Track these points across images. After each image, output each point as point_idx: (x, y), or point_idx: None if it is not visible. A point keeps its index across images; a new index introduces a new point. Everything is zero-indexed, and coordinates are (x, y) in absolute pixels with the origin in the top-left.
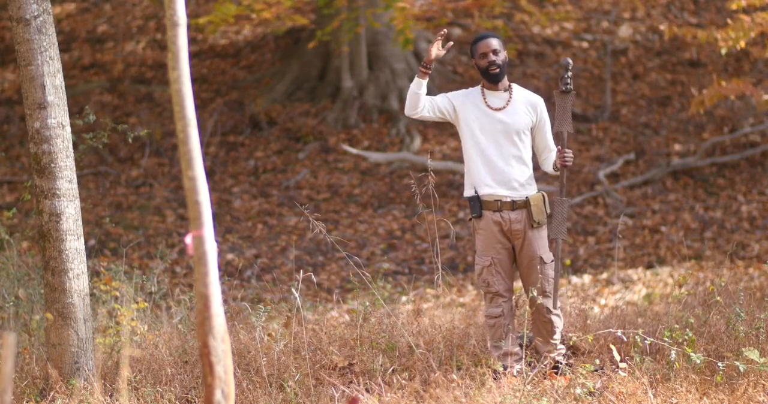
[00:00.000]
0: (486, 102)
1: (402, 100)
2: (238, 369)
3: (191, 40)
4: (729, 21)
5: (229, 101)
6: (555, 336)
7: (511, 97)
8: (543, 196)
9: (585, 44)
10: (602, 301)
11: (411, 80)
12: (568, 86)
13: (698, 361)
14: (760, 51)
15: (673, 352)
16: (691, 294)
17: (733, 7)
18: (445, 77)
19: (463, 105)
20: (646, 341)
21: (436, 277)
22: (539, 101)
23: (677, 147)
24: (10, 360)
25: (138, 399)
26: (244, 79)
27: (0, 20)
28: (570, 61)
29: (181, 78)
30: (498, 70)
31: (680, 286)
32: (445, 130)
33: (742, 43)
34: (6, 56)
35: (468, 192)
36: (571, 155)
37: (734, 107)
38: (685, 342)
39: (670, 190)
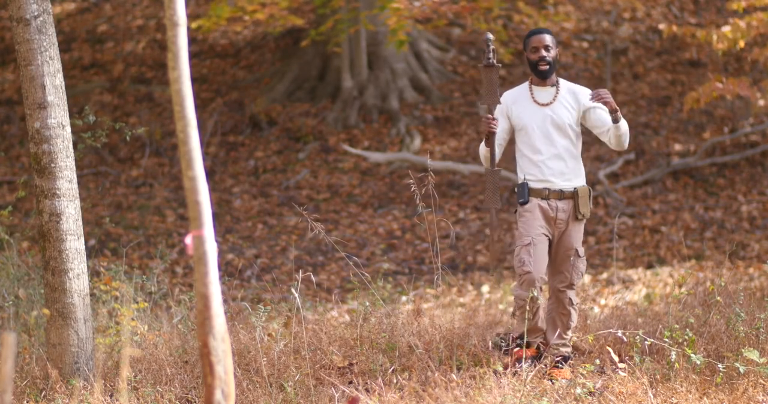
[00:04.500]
0: (534, 98)
1: (402, 100)
2: (238, 369)
3: (191, 40)
4: (726, 27)
5: (229, 101)
6: (568, 332)
7: (557, 92)
8: (589, 190)
9: (585, 44)
10: (602, 301)
11: (411, 80)
12: (491, 60)
13: (698, 362)
14: (758, 53)
15: (673, 353)
16: (691, 294)
17: (734, 7)
18: (446, 77)
19: (513, 103)
20: (646, 341)
21: (436, 277)
22: (580, 90)
23: (677, 147)
24: (10, 360)
25: (138, 399)
26: (244, 79)
27: (0, 20)
28: (491, 36)
29: (181, 78)
30: (547, 67)
31: (680, 286)
32: (444, 130)
33: (741, 43)
34: (6, 56)
35: (519, 179)
36: (606, 92)
37: (734, 107)
38: (685, 342)
39: (670, 190)
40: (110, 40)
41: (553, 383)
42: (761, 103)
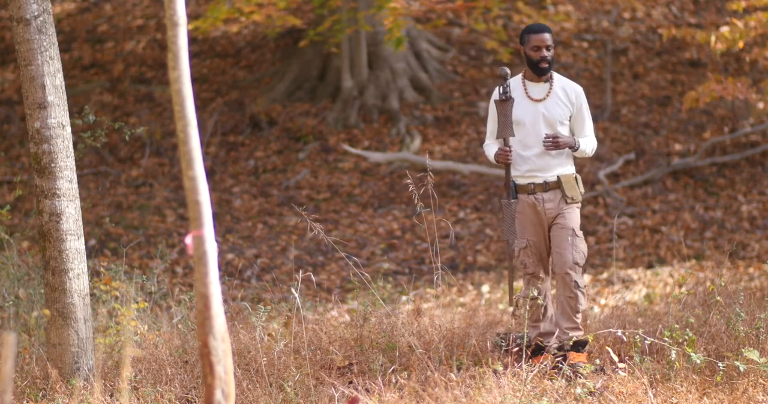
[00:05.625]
0: (527, 93)
1: (402, 100)
2: (238, 369)
3: (191, 40)
4: (725, 27)
5: (229, 101)
6: (578, 315)
7: (551, 88)
8: (575, 176)
9: (585, 44)
10: (602, 301)
11: (411, 80)
12: (508, 94)
13: (698, 361)
14: (757, 53)
15: (673, 352)
16: (691, 294)
17: (734, 7)
18: (446, 77)
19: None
20: (646, 341)
21: (436, 277)
22: (578, 90)
23: (677, 147)
24: (10, 360)
25: (138, 399)
26: (244, 79)
27: (0, 20)
28: (508, 70)
29: (181, 78)
30: (548, 66)
31: (680, 286)
32: (445, 130)
33: (740, 43)
34: (6, 56)
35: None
36: (557, 140)
37: (734, 107)
38: (685, 342)
39: (670, 190)
40: (110, 40)
41: (553, 382)
42: (760, 105)
